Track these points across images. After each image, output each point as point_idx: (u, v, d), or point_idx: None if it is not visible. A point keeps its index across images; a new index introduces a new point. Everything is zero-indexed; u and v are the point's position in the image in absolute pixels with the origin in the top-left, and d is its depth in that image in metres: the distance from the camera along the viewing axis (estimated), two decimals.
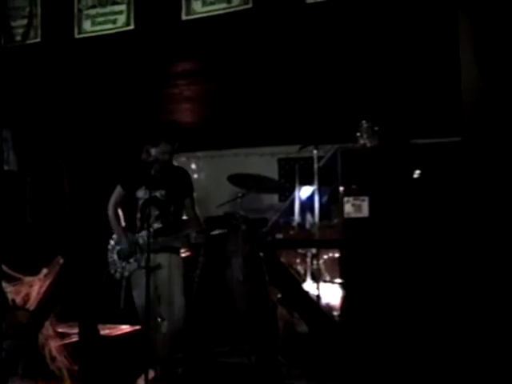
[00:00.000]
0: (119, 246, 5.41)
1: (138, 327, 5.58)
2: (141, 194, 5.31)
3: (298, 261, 6.22)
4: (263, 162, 7.92)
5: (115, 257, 5.41)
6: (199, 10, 5.74)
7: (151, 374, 5.02)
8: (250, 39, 5.87)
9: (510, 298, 4.39)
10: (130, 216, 5.47)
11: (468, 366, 4.48)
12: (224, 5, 5.64)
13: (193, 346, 5.91)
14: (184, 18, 5.76)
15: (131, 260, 5.34)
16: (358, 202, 5.04)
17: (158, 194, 5.29)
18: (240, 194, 6.14)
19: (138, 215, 5.32)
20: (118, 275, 5.38)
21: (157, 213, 5.27)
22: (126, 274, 5.33)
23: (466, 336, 4.55)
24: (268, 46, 5.91)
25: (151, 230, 5.10)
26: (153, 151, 5.32)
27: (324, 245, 5.86)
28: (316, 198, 5.75)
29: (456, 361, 4.56)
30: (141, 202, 5.31)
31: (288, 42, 5.78)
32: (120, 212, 5.50)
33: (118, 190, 5.46)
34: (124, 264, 5.35)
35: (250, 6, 5.55)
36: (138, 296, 5.15)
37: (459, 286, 4.65)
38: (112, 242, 5.47)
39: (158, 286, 5.12)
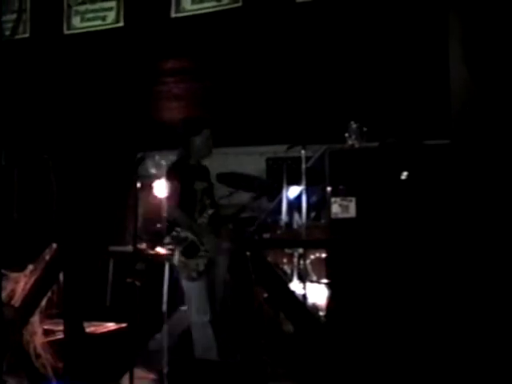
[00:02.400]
0: (178, 246, 5.39)
1: (123, 325, 5.56)
2: (196, 186, 5.49)
3: (284, 260, 6.22)
4: (251, 162, 7.91)
5: (182, 258, 5.36)
6: (188, 7, 5.73)
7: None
8: (239, 38, 5.87)
9: (496, 300, 4.40)
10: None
11: (455, 363, 4.49)
12: (214, 3, 5.63)
13: (179, 344, 5.91)
14: (173, 15, 5.75)
15: (201, 253, 5.37)
16: (345, 203, 5.04)
17: (205, 184, 5.60)
18: (227, 193, 6.14)
19: (198, 206, 5.47)
20: (194, 275, 5.35)
21: (208, 201, 5.56)
22: (202, 268, 5.35)
23: (451, 334, 4.56)
24: (257, 44, 5.91)
25: (206, 215, 5.51)
26: (197, 140, 5.55)
27: (311, 245, 5.86)
28: (304, 198, 5.75)
29: (442, 360, 4.57)
30: (198, 193, 5.49)
31: (277, 40, 5.78)
32: None
33: (176, 187, 5.42)
34: (197, 260, 5.36)
35: (239, 4, 5.55)
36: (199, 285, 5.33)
37: (445, 286, 4.67)
38: (169, 247, 5.41)
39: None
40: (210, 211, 5.56)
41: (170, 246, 5.42)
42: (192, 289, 5.38)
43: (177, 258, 5.36)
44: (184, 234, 5.40)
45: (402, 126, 6.12)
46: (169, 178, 5.45)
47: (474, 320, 4.43)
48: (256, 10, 5.53)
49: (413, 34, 5.48)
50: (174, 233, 5.42)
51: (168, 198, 5.40)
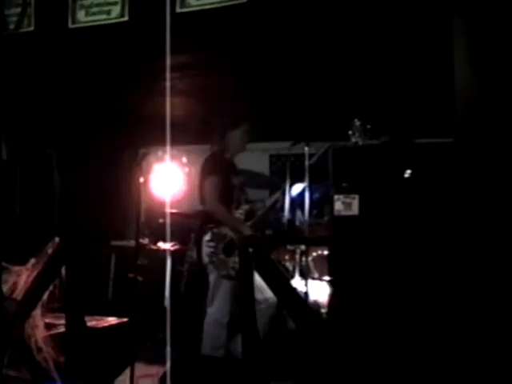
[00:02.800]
0: (219, 243, 5.30)
1: (125, 319, 5.56)
2: (234, 181, 5.43)
3: (286, 257, 6.22)
4: (255, 158, 7.89)
5: (222, 256, 5.28)
6: (193, 3, 5.71)
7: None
8: (244, 34, 5.85)
9: (496, 300, 4.40)
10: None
11: (457, 362, 4.49)
12: None
13: (180, 341, 5.91)
14: (178, 10, 5.74)
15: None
16: (348, 200, 5.03)
17: (240, 179, 5.54)
18: None
19: (234, 202, 5.41)
20: (232, 272, 5.23)
21: (244, 197, 5.55)
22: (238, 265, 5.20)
23: (454, 332, 4.56)
24: (262, 40, 5.89)
25: (241, 211, 5.43)
26: (236, 133, 5.49)
27: (313, 242, 5.86)
28: (307, 195, 5.75)
29: (444, 358, 4.57)
30: (235, 188, 5.44)
31: (281, 36, 5.77)
32: None
33: (216, 182, 5.33)
34: (236, 258, 5.19)
35: (244, 0, 5.53)
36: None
37: (448, 284, 4.67)
38: (211, 244, 5.32)
39: None
40: (246, 207, 5.49)
41: (212, 244, 5.32)
42: (222, 287, 5.30)
43: (218, 256, 5.28)
44: (224, 230, 5.31)
45: (406, 125, 6.12)
46: (207, 172, 5.39)
47: (478, 319, 4.43)
48: (260, 6, 5.52)
49: (418, 35, 5.46)
50: (216, 230, 5.31)
51: (207, 192, 5.34)
